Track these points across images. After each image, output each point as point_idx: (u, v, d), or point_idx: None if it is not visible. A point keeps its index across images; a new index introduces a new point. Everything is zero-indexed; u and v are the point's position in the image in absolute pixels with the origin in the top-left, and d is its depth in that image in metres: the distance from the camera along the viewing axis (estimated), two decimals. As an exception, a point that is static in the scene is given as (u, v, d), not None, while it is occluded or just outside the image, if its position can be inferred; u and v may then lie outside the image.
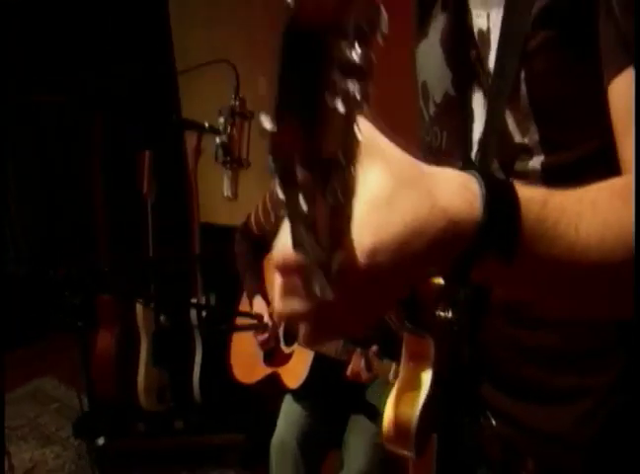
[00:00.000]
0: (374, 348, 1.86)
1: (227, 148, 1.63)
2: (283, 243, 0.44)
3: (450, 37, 0.82)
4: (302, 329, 0.50)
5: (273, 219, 2.17)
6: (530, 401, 0.83)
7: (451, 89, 0.83)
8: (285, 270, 0.46)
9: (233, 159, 1.61)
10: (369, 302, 0.48)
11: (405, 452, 0.75)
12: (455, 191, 0.48)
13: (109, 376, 2.77)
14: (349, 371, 1.87)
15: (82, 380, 2.29)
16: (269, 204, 2.18)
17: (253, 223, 2.26)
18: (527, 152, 0.75)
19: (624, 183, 0.55)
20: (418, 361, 0.77)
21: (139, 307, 2.91)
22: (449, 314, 0.73)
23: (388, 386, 0.82)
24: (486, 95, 0.78)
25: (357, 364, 1.86)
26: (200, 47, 3.49)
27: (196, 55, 3.40)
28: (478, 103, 0.80)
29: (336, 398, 2.06)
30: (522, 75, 0.71)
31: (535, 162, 0.75)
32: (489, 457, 0.84)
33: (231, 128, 1.62)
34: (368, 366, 1.85)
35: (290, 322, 0.49)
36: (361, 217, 0.43)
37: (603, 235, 0.51)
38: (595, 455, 0.80)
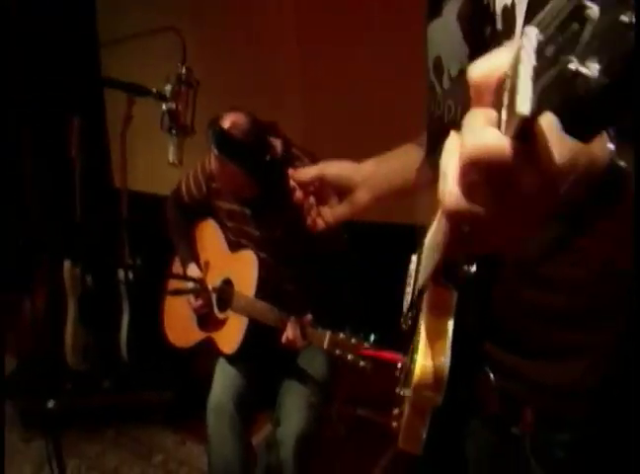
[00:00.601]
0: (309, 316, 1.94)
1: (173, 115, 1.63)
2: (494, 142, 0.40)
3: (468, 13, 0.84)
4: (461, 234, 0.47)
5: (204, 189, 2.19)
6: (534, 357, 0.86)
7: (467, 63, 0.85)
8: (483, 170, 0.41)
9: (179, 126, 1.62)
10: (523, 222, 0.46)
11: (436, 397, 0.78)
12: None
13: (37, 337, 2.74)
14: (284, 338, 1.93)
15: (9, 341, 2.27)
16: (200, 175, 2.18)
17: (184, 191, 2.26)
18: None
19: None
20: (440, 312, 0.82)
21: (67, 268, 2.87)
22: (473, 268, 0.77)
23: (415, 343, 0.85)
24: None
25: (292, 332, 1.92)
26: (146, 15, 3.37)
27: (142, 23, 3.28)
28: None
29: (269, 362, 2.12)
30: None
31: None
32: (483, 410, 0.88)
33: (177, 96, 1.62)
34: (303, 334, 1.92)
35: (459, 222, 0.45)
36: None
37: None
38: (596, 405, 0.84)
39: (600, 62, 0.33)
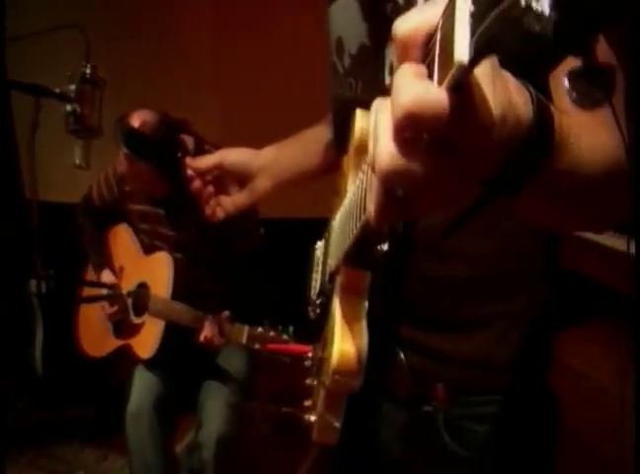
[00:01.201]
0: (226, 313, 1.94)
1: (78, 116, 1.58)
2: (424, 92, 0.38)
3: None
4: (391, 199, 0.44)
5: (116, 192, 2.15)
6: (443, 331, 0.86)
7: (367, 40, 0.87)
8: (419, 124, 0.38)
9: (85, 128, 1.57)
10: (459, 179, 0.43)
11: (355, 382, 0.77)
12: (517, 90, 0.47)
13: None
14: (201, 338, 1.92)
15: None
16: (111, 177, 2.15)
17: (95, 195, 2.22)
18: None
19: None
20: (354, 295, 0.81)
21: (-27, 283, 2.75)
22: (385, 247, 0.76)
23: (329, 325, 0.84)
24: None
25: (209, 331, 1.92)
26: (48, 12, 3.26)
27: (45, 20, 3.17)
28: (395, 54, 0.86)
29: (188, 364, 2.10)
30: None
31: None
32: (396, 392, 0.88)
33: (82, 96, 1.58)
34: (221, 332, 1.91)
35: (394, 184, 0.42)
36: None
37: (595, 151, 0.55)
38: (507, 376, 0.86)
39: None
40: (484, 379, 0.86)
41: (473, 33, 0.34)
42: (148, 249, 2.16)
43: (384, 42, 0.85)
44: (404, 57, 0.42)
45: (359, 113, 0.82)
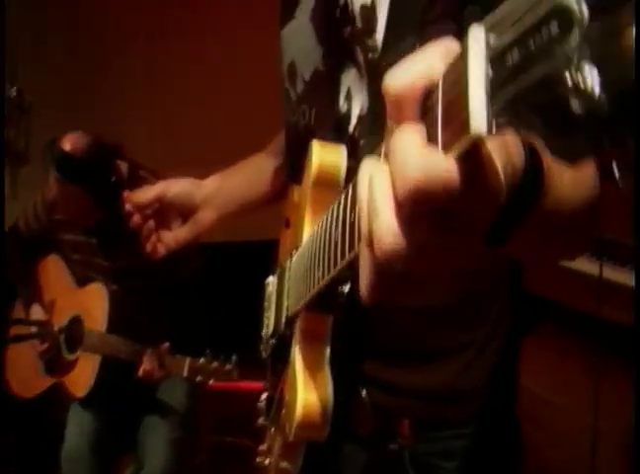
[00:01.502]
0: (165, 345, 1.87)
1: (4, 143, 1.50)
2: (426, 166, 0.34)
3: (322, 14, 0.82)
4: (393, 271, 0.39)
5: (45, 221, 2.06)
6: (408, 364, 0.83)
7: (322, 65, 0.83)
8: (429, 200, 0.34)
9: (11, 155, 1.49)
10: (459, 248, 0.40)
11: (322, 433, 0.73)
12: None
13: None
14: (140, 372, 1.84)
15: None
16: (40, 206, 2.05)
17: (22, 226, 2.11)
18: None
19: None
20: (315, 340, 0.77)
21: None
22: (347, 288, 0.72)
23: (289, 372, 0.80)
24: (368, 70, 0.78)
25: (148, 364, 1.84)
26: None
27: None
28: (353, 79, 0.81)
29: (127, 400, 2.00)
30: (418, 47, 0.72)
31: None
32: (359, 432, 0.83)
33: (8, 122, 1.50)
34: (161, 364, 1.84)
35: (396, 264, 0.37)
36: None
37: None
38: (473, 407, 0.83)
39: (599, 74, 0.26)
40: (451, 412, 0.83)
41: (491, 100, 0.30)
42: (81, 281, 2.07)
43: (339, 68, 0.82)
44: (398, 116, 0.37)
45: (316, 144, 0.79)
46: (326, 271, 0.61)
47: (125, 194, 1.06)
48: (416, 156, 0.34)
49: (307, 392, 0.74)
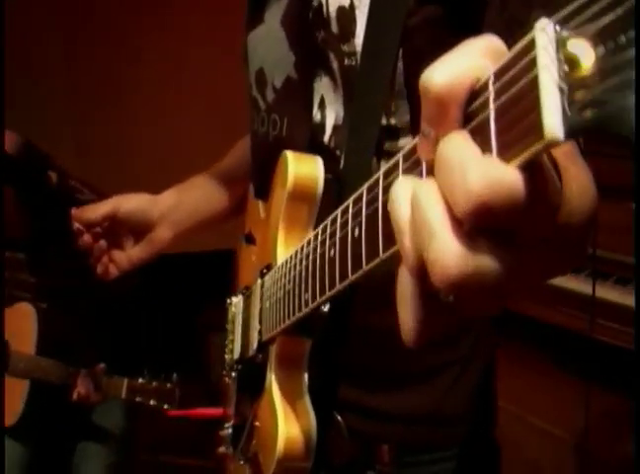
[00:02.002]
0: (102, 366, 1.76)
1: None
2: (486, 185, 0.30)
3: (294, 18, 0.77)
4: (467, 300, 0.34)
5: None
6: (388, 387, 0.79)
7: (294, 72, 0.78)
8: (495, 215, 0.30)
9: None
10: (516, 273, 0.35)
11: (307, 465, 0.69)
12: None
13: None
14: (74, 395, 1.74)
15: None
16: None
17: None
18: (394, 133, 0.72)
19: None
20: (293, 367, 0.73)
21: None
22: (326, 308, 0.68)
23: (265, 398, 0.74)
24: (343, 77, 0.74)
25: (83, 387, 1.74)
26: None
27: None
28: (326, 87, 0.76)
29: (60, 427, 1.89)
30: (401, 52, 0.67)
31: (405, 142, 0.72)
32: (333, 461, 0.78)
33: None
34: (97, 386, 1.74)
35: (463, 292, 0.32)
36: None
37: None
38: (457, 425, 0.80)
39: None
40: (432, 435, 0.80)
41: (567, 102, 0.26)
42: (7, 299, 1.93)
43: (313, 76, 0.77)
44: (438, 119, 0.33)
45: (290, 155, 0.73)
46: (318, 293, 0.56)
47: (73, 211, 0.98)
48: (477, 167, 0.30)
49: (288, 424, 0.69)
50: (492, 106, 0.30)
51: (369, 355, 0.79)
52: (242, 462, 0.84)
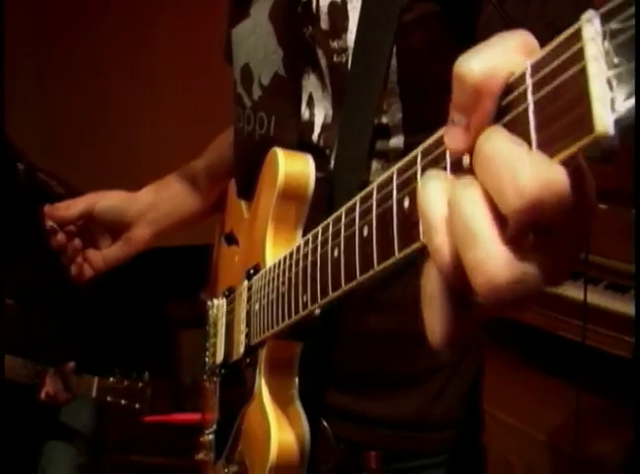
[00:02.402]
0: (71, 364, 1.72)
1: None
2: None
3: (283, 12, 0.75)
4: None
5: None
6: (377, 392, 0.78)
7: (282, 69, 0.76)
8: (545, 216, 0.29)
9: None
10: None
11: (297, 473, 0.67)
12: None
13: None
14: (42, 395, 1.69)
15: None
16: None
17: None
18: (385, 132, 0.71)
19: None
20: (283, 372, 0.71)
21: None
22: (318, 311, 0.66)
23: (253, 404, 0.72)
24: (332, 75, 0.72)
25: (51, 386, 1.70)
26: None
27: None
28: (314, 84, 0.74)
29: (26, 427, 1.84)
30: (395, 49, 0.66)
31: (396, 141, 0.71)
32: (318, 467, 0.76)
33: None
34: (66, 386, 1.70)
35: (509, 296, 0.30)
36: None
37: None
38: (446, 431, 0.79)
39: None
40: (421, 441, 0.78)
41: (616, 94, 0.25)
42: None
43: (302, 73, 0.75)
44: (475, 107, 0.31)
45: (279, 153, 0.71)
46: (319, 295, 0.54)
47: (46, 208, 0.94)
48: (530, 165, 0.28)
49: (281, 430, 0.67)
50: (530, 99, 0.29)
51: (357, 360, 0.77)
52: (226, 470, 0.82)
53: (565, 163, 0.28)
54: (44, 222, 0.95)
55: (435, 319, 0.34)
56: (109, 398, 1.66)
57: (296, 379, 0.71)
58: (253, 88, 0.81)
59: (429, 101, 0.65)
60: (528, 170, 0.28)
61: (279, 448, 0.66)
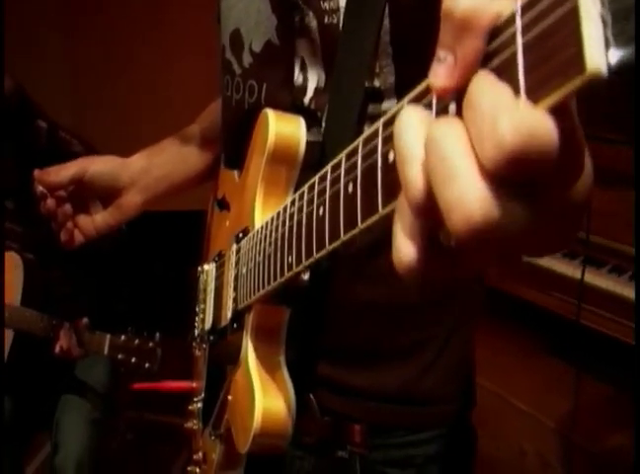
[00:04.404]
0: (85, 320, 1.76)
1: None
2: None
3: None
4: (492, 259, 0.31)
5: None
6: (365, 364, 0.77)
7: (275, 37, 0.73)
8: (529, 162, 0.27)
9: None
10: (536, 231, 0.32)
11: (281, 443, 0.66)
12: None
13: None
14: (57, 348, 1.72)
15: None
16: None
17: None
18: (377, 96, 0.69)
19: None
20: (270, 337, 0.69)
21: None
22: (307, 276, 0.64)
23: (239, 370, 0.71)
24: (323, 37, 0.70)
25: (66, 340, 1.72)
26: None
27: None
28: (305, 48, 0.72)
29: (42, 378, 1.88)
30: (387, 9, 0.64)
31: (389, 105, 0.69)
32: (302, 438, 0.75)
33: None
34: (80, 341, 1.72)
35: (483, 238, 0.29)
36: None
37: None
38: (433, 406, 0.78)
39: None
40: (406, 415, 0.76)
41: (611, 33, 0.24)
42: None
43: (295, 39, 0.72)
44: (462, 42, 0.30)
45: (270, 114, 0.69)
46: (303, 256, 0.52)
47: (36, 172, 0.93)
48: (511, 113, 0.27)
49: (267, 396, 0.65)
50: (520, 40, 0.27)
51: (345, 331, 0.76)
52: (213, 438, 0.81)
53: (554, 112, 0.27)
54: (35, 187, 0.94)
55: (406, 249, 0.33)
56: (120, 356, 1.68)
57: (283, 346, 0.70)
58: (243, 54, 0.78)
59: (422, 63, 0.62)
60: (510, 118, 0.27)
61: (263, 415, 0.65)
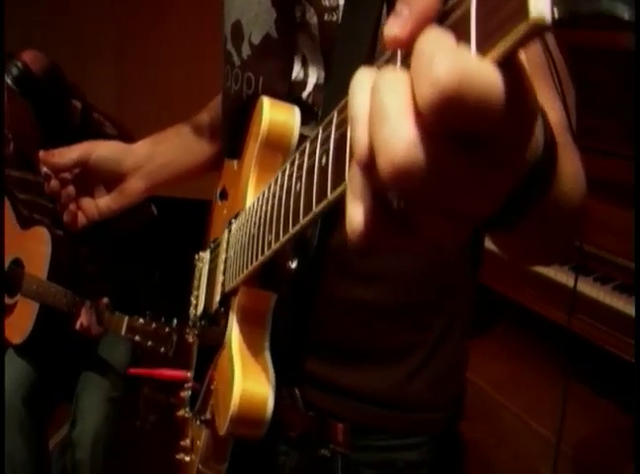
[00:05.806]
0: (105, 300, 1.78)
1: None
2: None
3: None
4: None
5: None
6: (352, 363, 0.75)
7: (274, 30, 0.73)
8: (461, 109, 0.26)
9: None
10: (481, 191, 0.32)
11: (258, 431, 0.65)
12: None
13: None
14: (78, 325, 1.76)
15: None
16: None
17: None
18: None
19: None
20: (255, 321, 0.69)
21: None
22: (294, 264, 0.65)
23: (223, 353, 0.71)
24: (322, 34, 0.70)
25: (86, 318, 1.75)
26: None
27: None
28: (306, 44, 0.71)
29: (65, 352, 1.91)
30: (385, 8, 0.64)
31: None
32: (286, 432, 0.75)
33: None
34: (99, 320, 1.75)
35: (403, 187, 0.29)
36: None
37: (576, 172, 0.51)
38: (420, 412, 0.76)
39: None
40: (392, 419, 0.75)
41: None
42: (26, 221, 1.95)
43: (294, 34, 0.71)
44: (413, 3, 0.30)
45: (266, 101, 0.70)
46: (281, 232, 0.52)
47: (41, 153, 0.94)
48: (448, 56, 0.26)
49: (246, 379, 0.64)
50: None
51: (333, 328, 0.74)
52: (199, 423, 0.81)
53: (502, 62, 0.26)
54: (40, 168, 0.95)
55: (353, 214, 0.33)
56: (137, 338, 1.69)
57: (268, 333, 0.69)
58: (243, 46, 0.77)
59: None
60: (447, 59, 0.26)
61: (241, 396, 0.64)
